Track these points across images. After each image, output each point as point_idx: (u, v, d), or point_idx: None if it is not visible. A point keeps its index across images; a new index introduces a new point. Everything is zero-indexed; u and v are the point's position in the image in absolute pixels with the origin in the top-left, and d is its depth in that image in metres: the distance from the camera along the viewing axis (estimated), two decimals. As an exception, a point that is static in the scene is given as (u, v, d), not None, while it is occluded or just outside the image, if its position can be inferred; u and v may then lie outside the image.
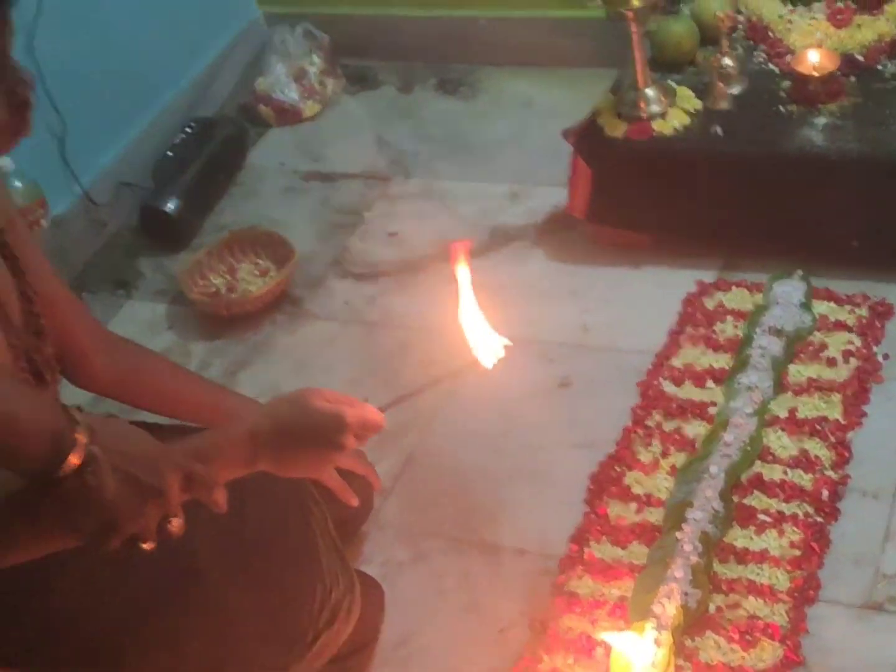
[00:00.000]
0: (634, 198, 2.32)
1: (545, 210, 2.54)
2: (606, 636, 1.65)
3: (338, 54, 3.05)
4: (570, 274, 2.38)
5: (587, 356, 2.20)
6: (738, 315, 2.18)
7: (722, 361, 2.10)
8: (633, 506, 1.90)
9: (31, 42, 2.40)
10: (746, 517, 1.84)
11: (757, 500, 1.86)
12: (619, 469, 1.96)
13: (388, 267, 2.51)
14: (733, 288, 2.24)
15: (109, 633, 1.35)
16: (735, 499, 1.86)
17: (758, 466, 1.91)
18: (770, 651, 1.67)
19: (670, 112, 2.28)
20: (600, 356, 2.19)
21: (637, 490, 1.92)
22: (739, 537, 1.82)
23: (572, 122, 2.40)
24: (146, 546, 1.20)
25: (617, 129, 2.29)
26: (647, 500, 1.90)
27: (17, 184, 2.37)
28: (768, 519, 1.83)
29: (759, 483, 1.88)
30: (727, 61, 2.30)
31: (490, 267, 2.44)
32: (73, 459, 1.12)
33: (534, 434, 2.07)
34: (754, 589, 1.74)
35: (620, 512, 1.89)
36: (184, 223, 2.68)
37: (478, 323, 1.45)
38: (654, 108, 2.28)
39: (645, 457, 1.97)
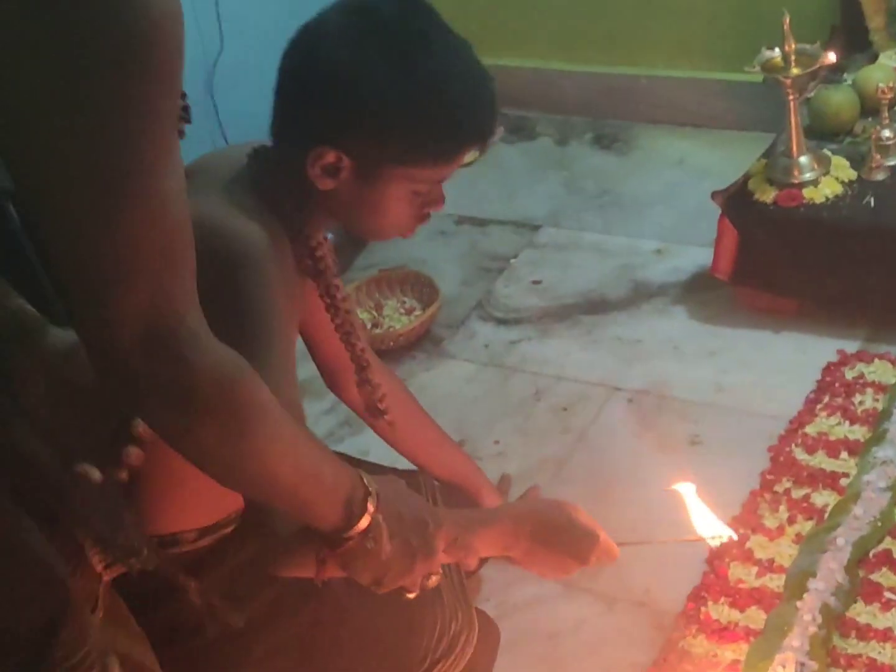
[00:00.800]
0: (780, 263, 2.32)
1: (689, 269, 2.56)
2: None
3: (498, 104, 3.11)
4: (709, 334, 2.39)
5: (720, 416, 2.20)
6: (879, 388, 2.15)
7: (858, 433, 2.08)
8: (755, 570, 1.88)
9: (210, 80, 2.52)
10: (872, 593, 1.81)
11: (884, 577, 1.83)
12: (742, 532, 1.95)
13: (529, 314, 2.55)
14: (875, 360, 2.22)
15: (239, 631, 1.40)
16: (861, 573, 1.83)
17: (888, 543, 1.87)
18: (884, 732, 1.64)
19: (823, 180, 2.27)
20: (733, 418, 2.18)
21: (759, 555, 1.91)
22: (863, 613, 1.79)
23: (723, 183, 2.41)
24: (409, 595, 1.30)
25: (767, 194, 2.29)
26: (770, 566, 1.88)
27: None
28: (894, 597, 1.80)
29: (887, 559, 1.85)
30: (886, 133, 2.29)
31: (629, 321, 2.47)
32: (361, 525, 1.19)
33: (658, 488, 2.06)
34: (874, 667, 1.71)
35: (741, 575, 1.88)
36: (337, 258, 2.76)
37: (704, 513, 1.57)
38: (807, 176, 2.28)
39: (770, 522, 1.96)
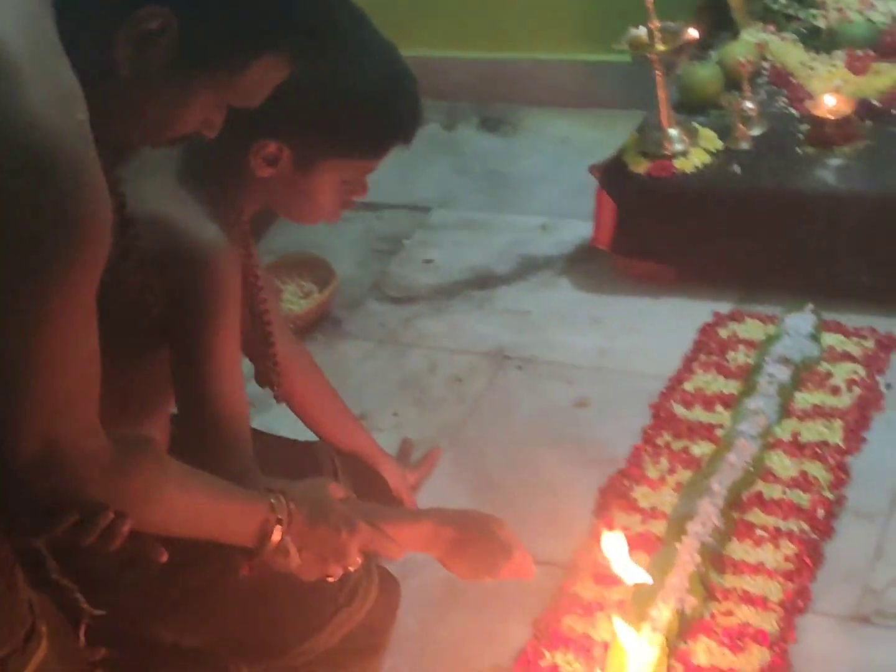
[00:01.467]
0: (656, 231, 2.45)
1: (573, 242, 2.68)
2: (618, 623, 1.74)
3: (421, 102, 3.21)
4: (592, 302, 2.51)
5: (604, 379, 2.32)
6: (750, 345, 2.29)
7: (732, 387, 2.21)
8: (639, 517, 2.00)
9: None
10: (745, 532, 1.94)
11: (756, 516, 1.96)
12: (627, 483, 2.07)
13: (422, 291, 2.65)
14: (747, 319, 2.36)
15: (155, 579, 1.51)
16: (735, 515, 1.96)
17: (759, 486, 2.01)
18: (758, 656, 1.76)
19: (692, 151, 2.40)
20: (617, 379, 2.31)
21: (643, 504, 2.03)
22: (737, 550, 1.91)
23: (604, 159, 2.53)
24: (330, 580, 1.50)
25: (640, 166, 2.42)
26: (652, 513, 2.00)
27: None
28: (765, 534, 1.93)
29: (758, 501, 1.98)
30: (749, 104, 2.43)
31: (518, 294, 2.58)
32: (269, 547, 1.38)
33: (549, 447, 2.18)
34: (748, 598, 1.84)
35: (626, 523, 1.99)
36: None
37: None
38: (677, 147, 2.41)
39: (653, 473, 2.08)
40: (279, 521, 1.38)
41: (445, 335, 2.52)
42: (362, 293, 2.68)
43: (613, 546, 1.76)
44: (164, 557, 1.29)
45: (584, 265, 2.60)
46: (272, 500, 1.38)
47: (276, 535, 1.37)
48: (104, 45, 1.06)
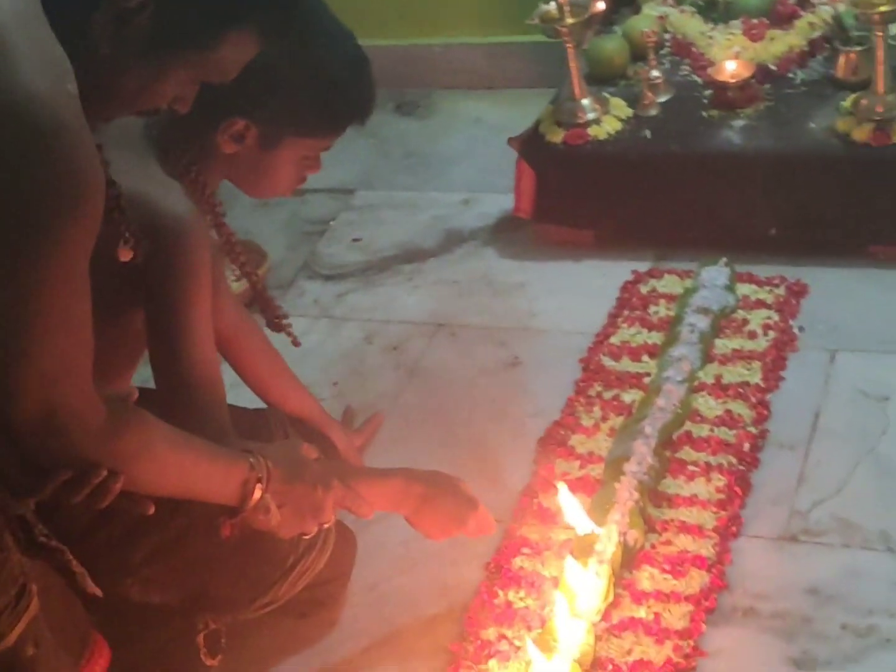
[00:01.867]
0: (574, 198, 2.57)
1: (495, 214, 2.79)
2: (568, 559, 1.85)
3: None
4: (517, 269, 2.62)
5: (534, 338, 2.43)
6: (670, 298, 2.42)
7: (655, 338, 2.33)
8: (577, 463, 2.11)
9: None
10: (678, 468, 2.06)
11: (687, 454, 2.08)
12: (563, 433, 2.18)
13: (352, 268, 2.74)
14: (665, 275, 2.49)
15: (124, 538, 1.58)
16: (668, 454, 2.08)
17: (687, 426, 2.13)
18: (698, 579, 1.88)
19: (604, 119, 2.53)
20: (546, 338, 2.42)
21: (580, 450, 2.14)
22: (672, 486, 2.03)
23: (510, 137, 2.65)
24: (306, 537, 1.61)
25: (557, 135, 2.53)
26: (590, 458, 2.12)
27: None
28: (697, 469, 2.05)
29: (688, 440, 2.10)
30: (655, 73, 2.56)
31: (445, 265, 2.69)
32: (251, 503, 1.46)
33: (487, 406, 2.29)
34: (684, 528, 1.96)
35: (566, 469, 2.11)
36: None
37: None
38: (590, 116, 2.53)
39: (587, 421, 2.19)
40: (259, 480, 1.45)
41: (378, 308, 2.61)
42: (294, 273, 2.76)
43: (565, 499, 1.87)
44: (152, 510, 1.36)
45: (507, 234, 2.71)
46: (251, 460, 1.46)
47: (257, 493, 1.45)
48: (83, 23, 1.14)
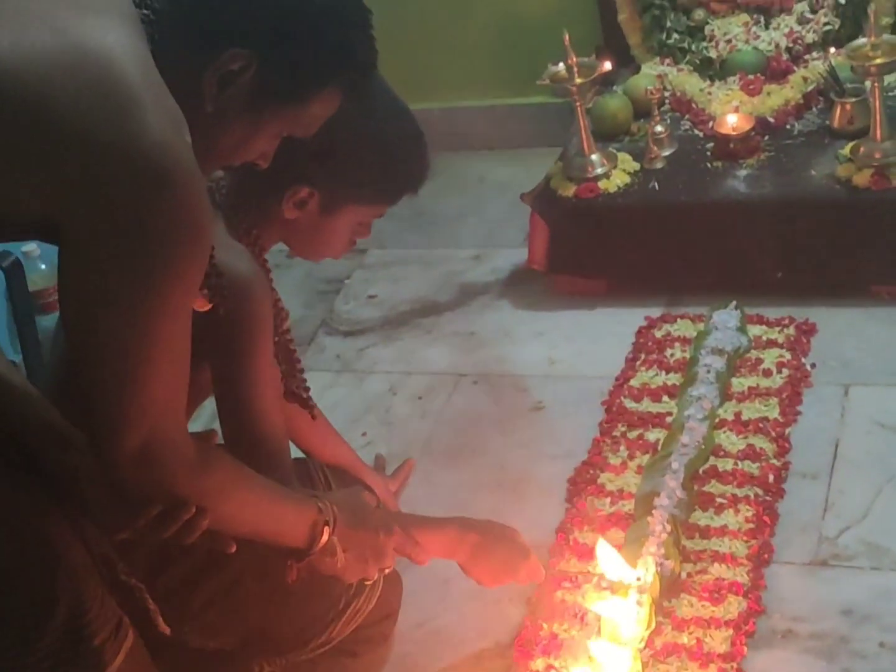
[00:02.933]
0: (587, 248, 2.66)
1: (507, 268, 2.89)
2: (594, 606, 1.93)
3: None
4: (534, 318, 2.71)
5: (556, 384, 2.51)
6: (684, 341, 2.51)
7: (674, 379, 2.42)
8: (608, 500, 2.19)
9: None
10: (706, 501, 2.13)
11: (714, 487, 2.16)
12: (592, 472, 2.25)
13: (371, 324, 2.82)
14: (678, 320, 2.58)
15: (183, 585, 1.64)
16: (696, 487, 2.16)
17: (712, 461, 2.21)
18: (735, 604, 1.95)
19: (613, 173, 2.64)
20: (567, 383, 2.50)
21: (610, 487, 2.21)
22: (702, 518, 2.11)
23: (522, 192, 2.75)
24: (367, 582, 1.67)
25: (568, 190, 2.64)
26: (620, 495, 2.19)
27: (42, 266, 2.65)
28: (725, 501, 2.13)
29: (714, 473, 2.18)
30: (659, 128, 2.67)
31: (462, 317, 2.78)
32: (318, 547, 1.51)
33: (515, 449, 2.36)
34: (718, 557, 2.03)
35: (598, 505, 2.18)
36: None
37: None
38: (599, 170, 2.64)
39: (614, 460, 2.27)
40: (327, 523, 1.51)
41: (399, 360, 2.69)
42: (313, 330, 2.84)
43: (606, 555, 1.93)
44: (233, 548, 1.42)
45: (521, 286, 2.81)
46: (319, 504, 1.52)
47: (325, 536, 1.51)
48: (192, 83, 1.24)
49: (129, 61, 1.16)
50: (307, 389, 1.85)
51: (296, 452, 2.11)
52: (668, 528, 2.04)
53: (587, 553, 2.09)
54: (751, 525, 2.08)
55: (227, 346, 1.61)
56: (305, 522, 1.50)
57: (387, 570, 1.67)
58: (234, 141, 1.32)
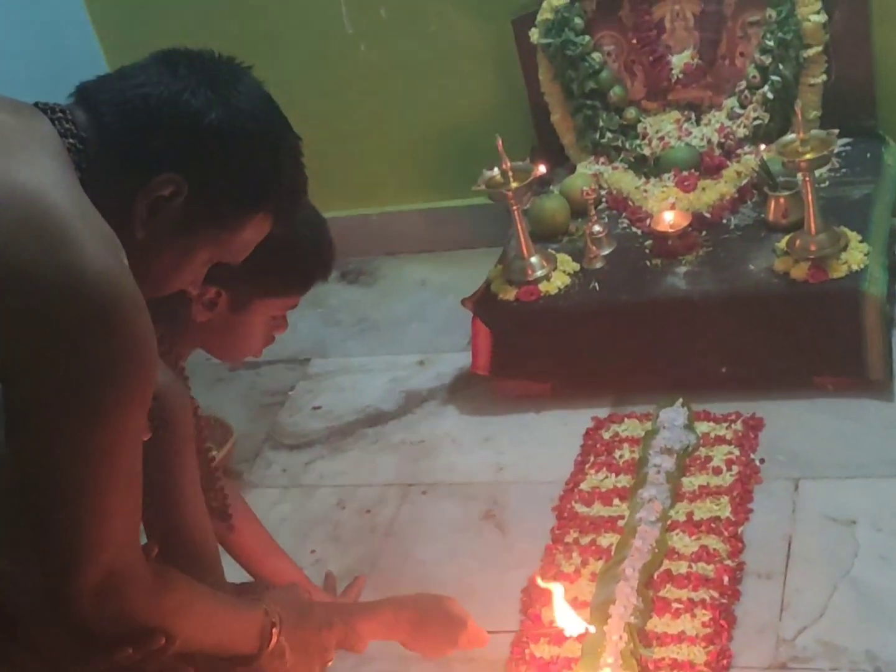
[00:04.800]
0: (530, 352, 2.65)
1: (451, 373, 2.87)
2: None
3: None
4: (480, 424, 2.69)
5: (506, 490, 2.48)
6: (633, 441, 2.49)
7: (624, 481, 2.40)
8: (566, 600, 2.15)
9: None
10: (662, 607, 2.10)
11: (669, 591, 2.13)
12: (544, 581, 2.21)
13: (317, 436, 2.78)
14: (625, 420, 2.57)
15: None
16: (651, 593, 2.12)
17: (666, 564, 2.18)
18: (697, 715, 1.92)
19: (553, 275, 2.63)
20: (517, 489, 2.47)
21: (565, 597, 2.16)
22: (659, 624, 2.07)
23: (463, 294, 2.74)
24: None
25: (508, 293, 2.63)
26: (574, 604, 2.13)
27: None
28: (681, 606, 2.09)
29: (668, 578, 2.15)
30: (597, 228, 2.68)
31: (408, 425, 2.74)
32: (268, 651, 1.51)
33: (467, 561, 2.32)
34: (676, 665, 1.99)
35: (552, 617, 2.14)
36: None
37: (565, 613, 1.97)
38: (539, 273, 2.63)
39: (567, 568, 2.23)
40: (273, 625, 1.50)
41: (347, 472, 2.65)
42: (258, 444, 2.80)
43: (556, 601, 1.92)
44: None
45: (466, 391, 2.79)
46: (265, 607, 1.50)
47: (274, 639, 1.50)
48: (122, 210, 1.22)
49: (59, 193, 1.15)
50: (225, 497, 1.82)
51: (241, 576, 2.07)
52: (625, 637, 2.01)
53: (544, 667, 2.05)
54: (708, 630, 2.04)
55: (148, 455, 1.57)
56: (254, 628, 1.50)
57: (329, 665, 1.67)
58: (165, 267, 1.32)
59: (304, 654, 1.59)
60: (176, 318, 1.67)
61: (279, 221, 1.38)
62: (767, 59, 2.73)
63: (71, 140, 1.24)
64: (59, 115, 1.25)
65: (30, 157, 1.18)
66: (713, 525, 2.24)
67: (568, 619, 1.95)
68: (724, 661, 1.99)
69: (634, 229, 2.75)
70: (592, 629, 1.95)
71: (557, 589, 1.98)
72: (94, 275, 1.12)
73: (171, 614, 1.31)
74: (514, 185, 2.55)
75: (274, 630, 1.51)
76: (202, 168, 1.28)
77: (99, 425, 1.15)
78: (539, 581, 2.00)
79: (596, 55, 2.89)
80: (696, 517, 2.27)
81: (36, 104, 1.28)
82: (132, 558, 1.24)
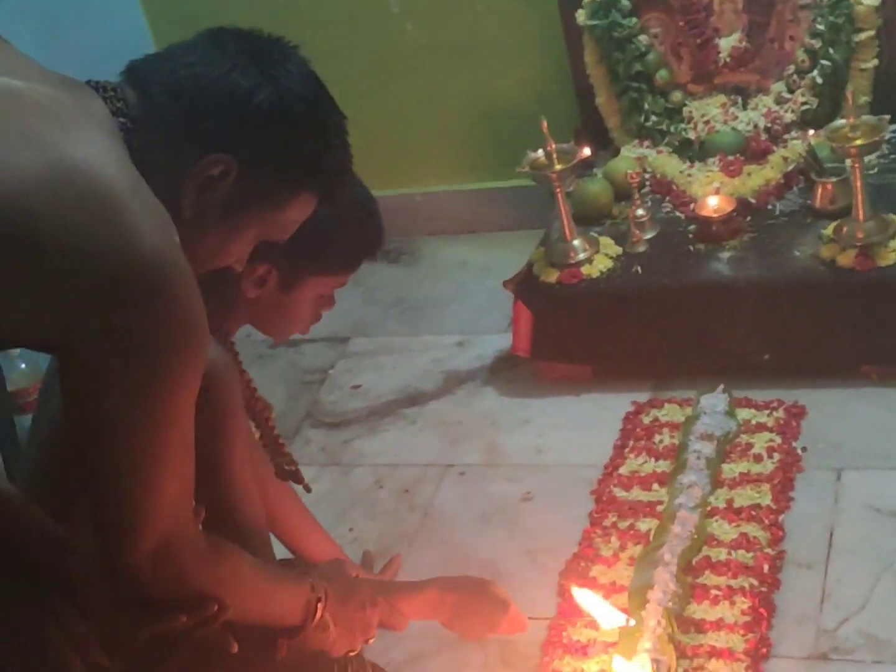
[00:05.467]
0: (571, 335, 2.64)
1: (491, 354, 2.86)
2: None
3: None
4: (519, 406, 2.68)
5: (544, 473, 2.47)
6: (673, 427, 2.48)
7: (663, 466, 2.39)
8: (601, 593, 2.13)
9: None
10: (701, 594, 2.09)
11: (708, 578, 2.12)
12: (584, 565, 2.21)
13: (355, 415, 2.78)
14: (665, 405, 2.55)
15: None
16: (689, 579, 2.11)
17: (705, 551, 2.17)
18: (735, 701, 1.91)
19: (596, 258, 2.62)
20: (556, 472, 2.46)
21: (602, 580, 2.17)
22: (697, 611, 2.06)
23: (504, 277, 2.73)
24: (352, 654, 1.69)
25: (551, 276, 2.62)
26: (613, 588, 2.14)
27: (22, 366, 2.62)
28: (720, 593, 2.08)
29: (708, 564, 2.14)
30: (640, 211, 2.66)
31: (447, 406, 2.74)
32: (312, 624, 1.54)
33: (504, 543, 2.32)
34: (715, 652, 1.98)
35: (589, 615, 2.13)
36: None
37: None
38: (581, 256, 2.62)
39: (606, 552, 2.22)
40: (319, 600, 1.53)
41: (385, 452, 2.65)
42: (298, 422, 2.80)
43: (588, 597, 1.91)
44: (235, 648, 1.41)
45: (506, 373, 2.78)
46: (311, 582, 1.53)
47: (319, 613, 1.52)
48: (171, 189, 1.24)
49: (115, 171, 1.16)
50: (295, 463, 1.84)
51: (281, 552, 2.07)
52: (663, 622, 2.00)
53: (581, 650, 2.04)
54: (747, 618, 2.03)
55: (199, 432, 1.58)
56: (301, 601, 1.53)
57: (370, 642, 1.70)
58: (212, 246, 1.33)
59: (347, 629, 1.61)
60: (226, 295, 1.68)
61: (324, 200, 1.39)
62: (818, 43, 2.70)
63: (122, 119, 1.25)
64: (111, 93, 1.27)
65: (87, 135, 1.19)
66: (753, 513, 2.23)
67: (605, 613, 1.94)
68: (764, 650, 1.98)
69: (678, 214, 2.72)
70: (633, 622, 1.94)
71: (587, 594, 1.97)
72: (148, 252, 1.13)
73: (223, 583, 1.34)
74: (558, 166, 2.54)
75: (319, 604, 1.53)
76: (250, 148, 1.29)
77: (154, 396, 1.17)
78: (574, 590, 2.00)
79: (642, 37, 2.86)
80: (737, 504, 2.25)
81: (87, 82, 1.29)
82: (187, 526, 1.27)
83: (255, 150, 1.28)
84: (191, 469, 1.26)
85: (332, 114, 1.38)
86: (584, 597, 1.94)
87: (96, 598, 1.32)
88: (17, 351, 2.60)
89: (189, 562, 1.28)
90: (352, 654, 1.67)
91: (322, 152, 1.35)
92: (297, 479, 1.91)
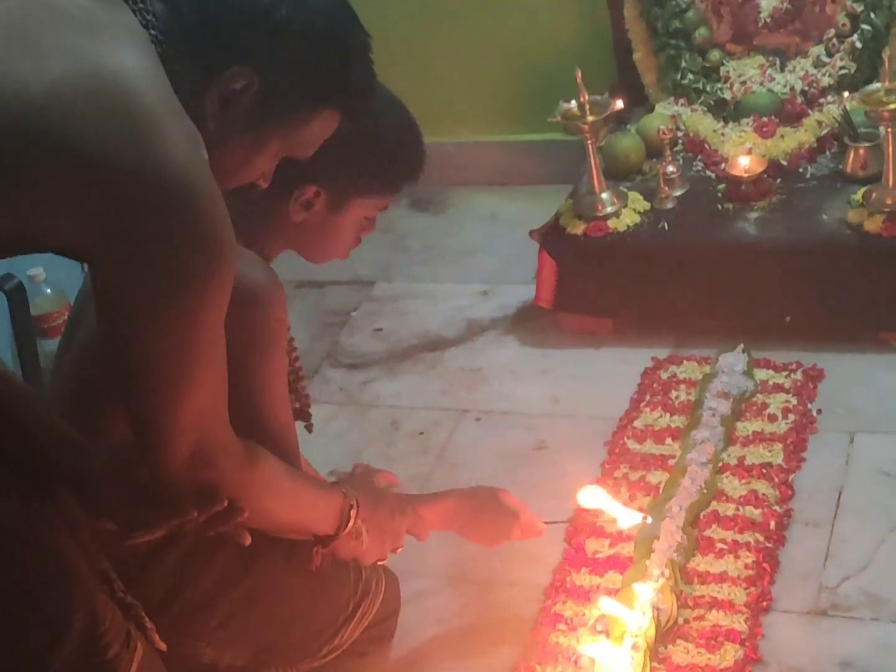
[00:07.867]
0: (595, 287, 2.65)
1: (514, 304, 2.87)
2: (588, 650, 1.90)
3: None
4: (539, 356, 2.69)
5: (559, 423, 2.49)
6: (690, 384, 2.49)
7: (678, 422, 2.40)
8: (607, 542, 2.16)
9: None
10: (706, 546, 2.10)
11: (714, 532, 2.13)
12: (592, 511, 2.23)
13: (375, 357, 2.81)
14: (684, 362, 2.56)
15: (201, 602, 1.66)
16: (696, 532, 2.13)
17: (714, 506, 2.18)
18: (732, 653, 1.92)
19: (623, 212, 2.62)
20: (571, 423, 2.48)
21: (610, 529, 2.18)
22: (702, 563, 2.08)
23: (532, 229, 2.73)
24: (381, 563, 1.76)
25: (577, 228, 2.62)
26: (619, 537, 2.16)
27: (48, 290, 2.65)
28: (725, 547, 2.10)
29: (715, 518, 2.15)
30: (670, 168, 2.66)
31: (467, 353, 2.76)
32: (346, 530, 1.60)
33: (515, 488, 2.30)
34: (716, 603, 2.00)
35: (597, 547, 2.15)
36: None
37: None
38: (609, 209, 2.62)
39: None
40: (352, 507, 1.58)
41: (403, 395, 2.67)
42: (318, 362, 2.82)
43: (598, 497, 1.97)
44: (248, 541, 1.45)
45: (528, 323, 2.79)
46: (343, 489, 1.58)
47: (352, 521, 1.58)
48: (195, 102, 1.25)
49: (147, 84, 1.18)
50: (302, 400, 1.86)
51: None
52: (667, 572, 2.02)
53: (584, 595, 2.07)
54: (750, 572, 2.05)
55: (240, 356, 1.59)
56: (333, 508, 1.58)
57: (398, 551, 1.74)
58: (236, 160, 1.35)
59: (378, 537, 1.66)
60: (272, 216, 1.69)
61: (348, 117, 1.41)
62: (859, 7, 2.68)
63: (152, 31, 1.26)
64: (141, 5, 1.28)
65: (120, 47, 1.20)
66: (764, 471, 2.24)
67: (620, 511, 1.98)
68: (765, 604, 1.99)
69: (709, 173, 2.72)
70: (650, 520, 2.00)
71: (601, 494, 1.99)
72: (178, 166, 1.15)
73: (258, 487, 1.38)
74: (590, 118, 2.54)
75: (353, 512, 1.58)
76: (272, 62, 1.30)
77: (184, 307, 1.19)
78: (580, 495, 2.01)
79: (684, -6, 2.85)
80: (748, 462, 2.27)
81: None
82: (221, 432, 1.30)
83: (277, 64, 1.30)
84: (222, 380, 1.28)
85: (355, 31, 1.39)
86: (598, 496, 1.96)
87: (109, 498, 1.34)
88: (42, 275, 2.63)
89: (226, 468, 1.32)
90: (381, 562, 1.71)
91: (344, 70, 1.36)
92: (303, 417, 1.91)
